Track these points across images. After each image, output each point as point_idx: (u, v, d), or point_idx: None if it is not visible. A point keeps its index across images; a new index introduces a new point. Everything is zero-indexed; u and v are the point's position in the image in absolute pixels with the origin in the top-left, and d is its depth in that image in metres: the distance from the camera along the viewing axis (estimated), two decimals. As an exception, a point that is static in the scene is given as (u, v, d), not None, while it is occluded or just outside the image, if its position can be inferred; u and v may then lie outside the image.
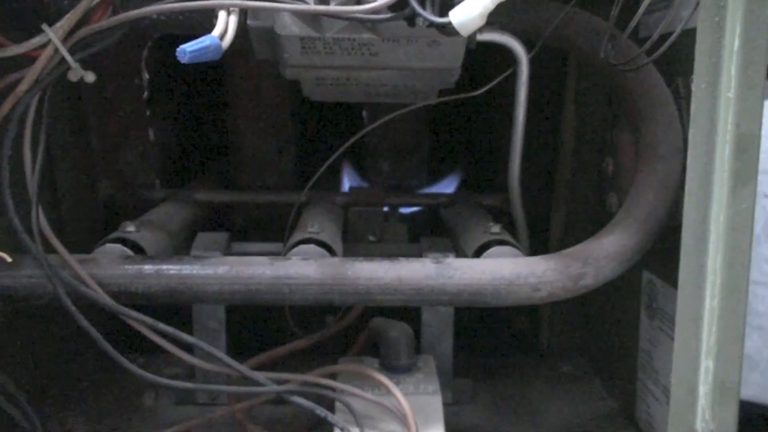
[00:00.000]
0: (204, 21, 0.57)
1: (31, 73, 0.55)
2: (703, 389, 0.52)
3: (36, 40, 0.55)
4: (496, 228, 0.74)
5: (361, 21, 0.56)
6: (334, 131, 1.09)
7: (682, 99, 0.62)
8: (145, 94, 0.94)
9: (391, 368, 0.68)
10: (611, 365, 0.82)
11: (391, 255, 0.65)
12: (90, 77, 0.58)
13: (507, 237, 0.73)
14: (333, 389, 0.63)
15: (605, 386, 0.83)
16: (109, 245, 0.67)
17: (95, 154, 0.94)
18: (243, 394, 0.67)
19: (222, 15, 0.54)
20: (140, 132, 0.95)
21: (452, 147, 1.13)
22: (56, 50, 0.55)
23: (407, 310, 0.72)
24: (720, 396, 0.52)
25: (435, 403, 0.64)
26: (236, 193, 0.97)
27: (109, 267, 0.61)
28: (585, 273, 0.61)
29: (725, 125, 0.49)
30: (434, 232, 0.89)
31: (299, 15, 0.57)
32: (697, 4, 0.48)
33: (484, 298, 0.61)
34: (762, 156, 0.50)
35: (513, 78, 0.67)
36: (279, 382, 0.61)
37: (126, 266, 0.61)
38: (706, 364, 0.52)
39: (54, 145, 0.83)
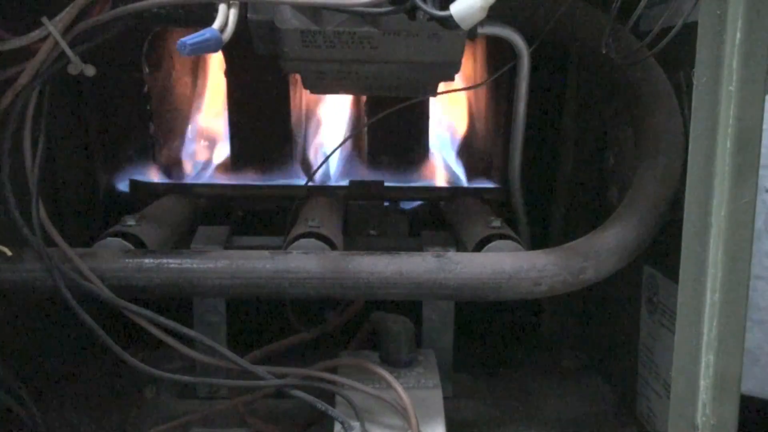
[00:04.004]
0: (204, 14, 0.57)
1: (31, 66, 0.55)
2: (704, 383, 0.52)
3: (36, 33, 0.55)
4: (496, 222, 0.74)
5: (361, 14, 0.55)
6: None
7: (684, 93, 0.61)
8: (145, 87, 0.94)
9: (391, 362, 0.68)
10: (612, 359, 0.82)
11: (392, 249, 0.64)
12: (90, 71, 0.58)
13: (508, 231, 0.73)
14: (333, 383, 0.63)
15: (606, 380, 0.83)
16: (109, 239, 0.67)
17: (95, 148, 0.94)
18: (243, 387, 0.67)
19: (222, 8, 0.54)
20: (140, 125, 0.95)
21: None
22: (56, 43, 0.55)
23: (408, 304, 0.72)
24: (721, 390, 0.52)
25: (435, 397, 0.64)
26: (237, 186, 0.97)
27: (110, 261, 0.61)
28: (586, 267, 0.61)
29: (726, 119, 0.49)
30: (435, 226, 0.89)
31: (300, 8, 0.56)
32: (699, -3, 0.48)
33: (484, 292, 0.61)
34: (763, 150, 0.50)
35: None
36: (279, 376, 0.61)
37: (126, 260, 0.61)
38: (707, 359, 0.52)
39: (54, 138, 0.83)
